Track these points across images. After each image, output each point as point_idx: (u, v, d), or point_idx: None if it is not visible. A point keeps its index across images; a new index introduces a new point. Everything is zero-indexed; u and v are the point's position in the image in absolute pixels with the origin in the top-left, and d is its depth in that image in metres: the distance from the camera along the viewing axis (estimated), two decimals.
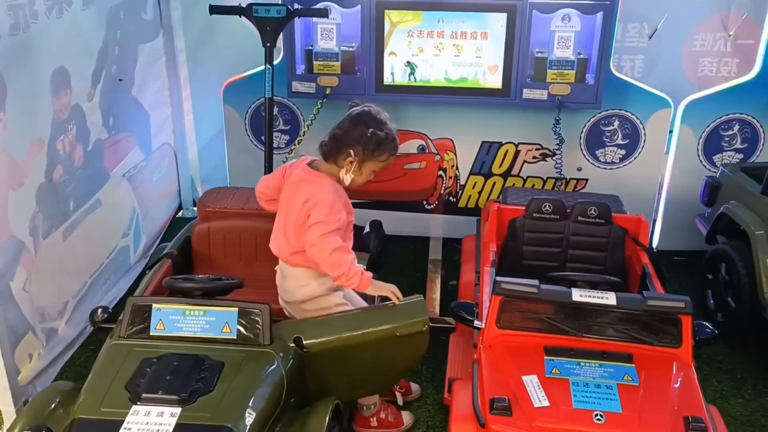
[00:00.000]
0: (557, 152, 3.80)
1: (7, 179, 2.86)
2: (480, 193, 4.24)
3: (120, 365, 2.32)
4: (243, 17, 3.41)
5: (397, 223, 4.22)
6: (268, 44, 3.37)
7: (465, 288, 3.17)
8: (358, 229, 3.91)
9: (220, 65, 4.40)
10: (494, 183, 4.20)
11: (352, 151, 2.53)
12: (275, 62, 3.80)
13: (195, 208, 4.80)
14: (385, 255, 3.59)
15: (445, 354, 3.17)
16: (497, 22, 3.63)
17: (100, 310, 2.66)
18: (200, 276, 2.59)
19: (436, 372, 3.24)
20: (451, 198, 4.26)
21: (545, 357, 2.42)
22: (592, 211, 3.13)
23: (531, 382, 2.32)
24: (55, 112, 3.19)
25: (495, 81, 3.74)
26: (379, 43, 3.70)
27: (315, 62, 3.77)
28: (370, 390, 2.81)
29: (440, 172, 4.20)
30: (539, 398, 2.27)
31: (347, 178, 2.59)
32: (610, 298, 2.44)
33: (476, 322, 2.63)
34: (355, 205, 4.17)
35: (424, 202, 4.29)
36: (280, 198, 2.68)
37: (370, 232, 4.02)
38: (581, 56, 3.67)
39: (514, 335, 2.52)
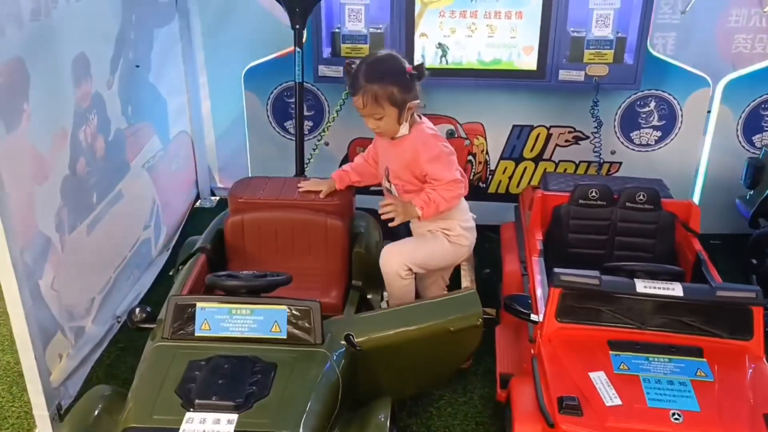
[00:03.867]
0: (596, 135, 3.67)
1: (33, 173, 2.72)
2: (510, 178, 4.12)
3: (167, 369, 2.21)
4: None
5: None
6: (298, 26, 3.23)
7: (510, 278, 3.06)
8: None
9: (237, 50, 4.25)
10: (525, 168, 4.08)
11: None
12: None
13: (213, 198, 4.68)
14: None
15: (489, 346, 3.06)
16: (533, 0, 3.49)
17: (138, 310, 2.53)
18: (244, 273, 2.47)
19: (479, 365, 3.13)
20: (480, 184, 4.14)
21: (610, 352, 2.32)
22: (641, 197, 3.02)
23: (599, 378, 2.22)
24: (77, 101, 3.05)
25: (530, 62, 3.61)
26: (409, 24, 3.56)
27: (342, 45, 3.62)
28: (421, 387, 2.72)
29: (469, 158, 4.07)
30: (610, 396, 2.17)
31: None
32: (676, 289, 2.34)
33: (533, 316, 2.52)
34: (381, 193, 4.14)
35: None
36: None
37: None
38: (620, 35, 3.54)
39: (574, 329, 2.42)
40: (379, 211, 2.84)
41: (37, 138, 2.73)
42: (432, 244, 2.94)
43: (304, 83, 3.85)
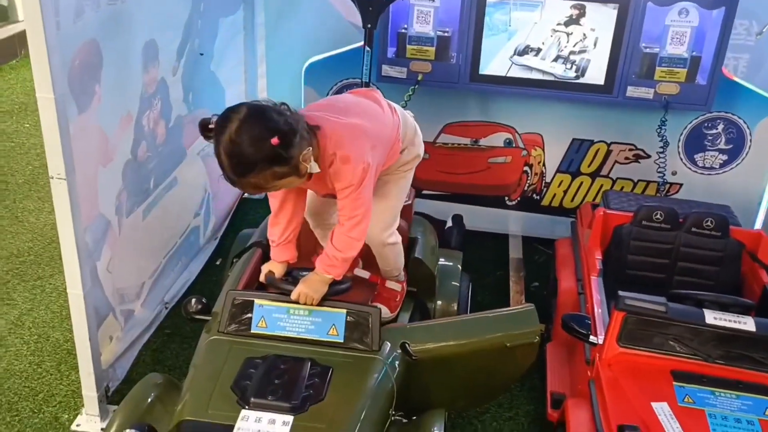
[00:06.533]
0: (661, 155, 3.58)
1: (99, 155, 2.74)
2: (565, 192, 4.04)
3: (223, 364, 2.19)
4: None
5: (476, 218, 4.05)
6: (369, 25, 3.19)
7: (565, 296, 2.99)
8: (439, 224, 3.78)
9: (297, 43, 4.22)
10: (581, 182, 3.99)
11: None
12: (358, 44, 3.63)
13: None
14: (465, 251, 3.44)
15: (536, 363, 3.00)
16: (606, 13, 3.40)
17: (194, 300, 2.52)
18: (302, 274, 2.43)
19: (525, 381, 3.07)
20: (534, 195, 4.07)
21: (674, 382, 2.25)
22: (709, 223, 2.93)
23: (662, 410, 2.16)
24: (144, 86, 3.06)
25: (598, 76, 3.53)
26: (478, 30, 3.50)
27: (408, 46, 3.58)
28: (473, 401, 2.67)
29: (526, 168, 4.00)
30: (674, 429, 2.10)
31: None
32: (748, 324, 2.26)
33: (591, 337, 2.46)
34: (434, 197, 4.10)
35: (506, 198, 4.10)
36: None
37: (452, 227, 3.88)
38: (694, 54, 3.44)
39: (636, 355, 2.35)
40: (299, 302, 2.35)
41: (105, 120, 2.74)
42: (397, 190, 2.58)
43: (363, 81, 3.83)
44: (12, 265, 3.68)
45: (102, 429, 2.69)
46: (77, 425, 2.74)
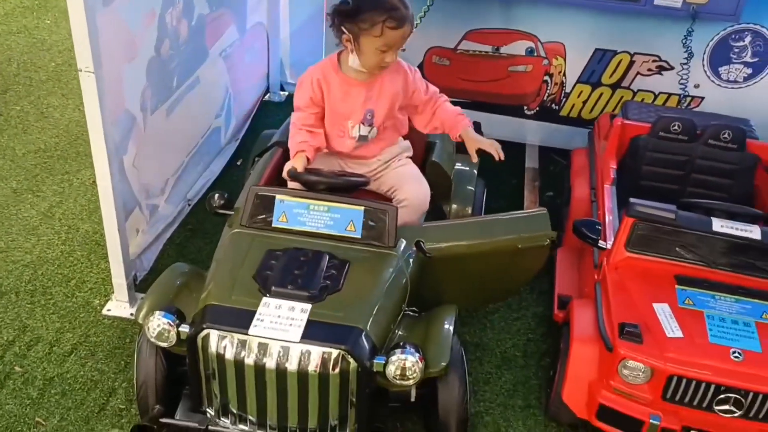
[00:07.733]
0: (684, 67, 3.54)
1: (123, 51, 2.77)
2: (585, 103, 4.02)
3: (245, 255, 2.31)
4: None
5: (493, 126, 4.03)
6: None
7: (578, 203, 3.05)
8: None
9: None
10: (601, 94, 3.97)
11: (343, 28, 2.43)
12: None
13: (282, 93, 4.70)
14: (482, 158, 3.47)
15: (546, 268, 3.10)
16: None
17: (217, 196, 2.60)
18: (326, 170, 2.51)
19: (534, 284, 3.17)
20: (553, 105, 4.06)
21: (677, 286, 2.34)
22: (726, 135, 2.94)
23: (662, 310, 2.26)
24: None
25: None
26: None
27: None
28: (482, 301, 2.79)
29: (546, 77, 3.98)
30: (672, 328, 2.20)
31: (353, 60, 2.48)
32: (753, 232, 2.32)
33: (601, 242, 2.54)
34: (452, 104, 4.10)
35: (525, 107, 4.10)
36: None
37: None
38: None
39: (642, 260, 2.43)
40: (499, 155, 2.71)
41: (129, 15, 2.76)
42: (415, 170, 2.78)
43: None
44: (40, 160, 3.79)
45: (131, 314, 2.86)
46: (108, 310, 2.92)
